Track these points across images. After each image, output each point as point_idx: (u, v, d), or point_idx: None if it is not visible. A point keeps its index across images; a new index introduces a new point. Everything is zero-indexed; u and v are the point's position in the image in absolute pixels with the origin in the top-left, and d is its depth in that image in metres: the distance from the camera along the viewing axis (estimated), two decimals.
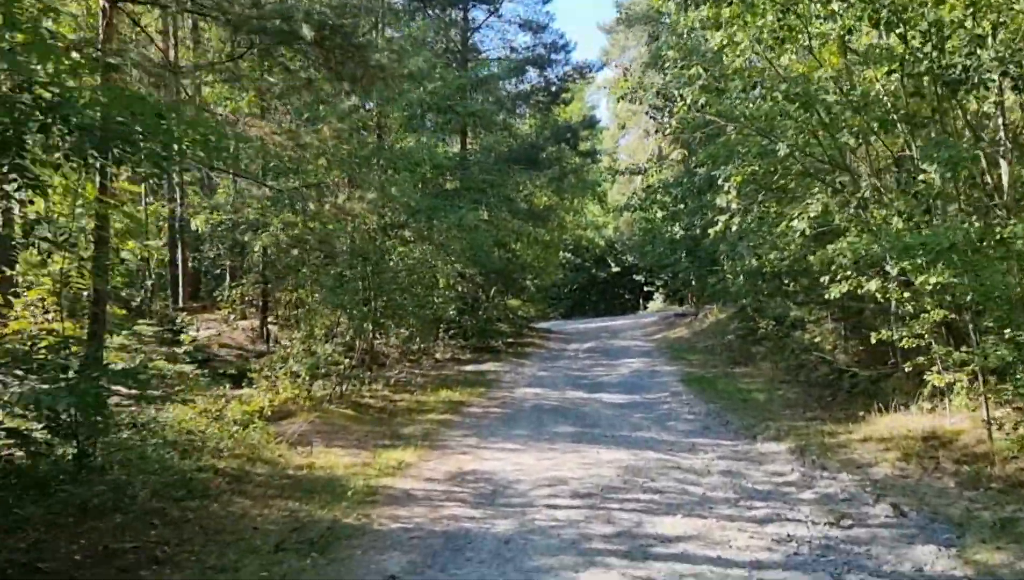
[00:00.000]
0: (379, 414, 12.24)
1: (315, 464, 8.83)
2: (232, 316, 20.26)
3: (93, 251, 7.32)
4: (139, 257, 19.82)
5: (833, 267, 9.68)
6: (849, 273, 9.13)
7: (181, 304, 21.44)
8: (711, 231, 9.63)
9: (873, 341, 9.27)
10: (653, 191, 19.88)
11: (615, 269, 45.35)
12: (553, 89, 24.86)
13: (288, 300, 13.71)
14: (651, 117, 20.27)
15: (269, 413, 10.59)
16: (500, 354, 21.65)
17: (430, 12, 21.67)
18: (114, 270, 8.30)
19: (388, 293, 13.09)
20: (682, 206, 20.04)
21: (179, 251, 21.00)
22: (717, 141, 12.19)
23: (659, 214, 21.66)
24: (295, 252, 12.97)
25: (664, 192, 19.68)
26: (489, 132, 21.70)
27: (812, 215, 9.05)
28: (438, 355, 21.09)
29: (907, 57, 7.95)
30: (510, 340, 24.60)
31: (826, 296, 9.49)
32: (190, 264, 20.78)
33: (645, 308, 44.82)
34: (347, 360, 12.32)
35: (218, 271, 21.43)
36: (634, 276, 44.78)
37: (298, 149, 8.51)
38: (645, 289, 45.48)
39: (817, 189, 9.50)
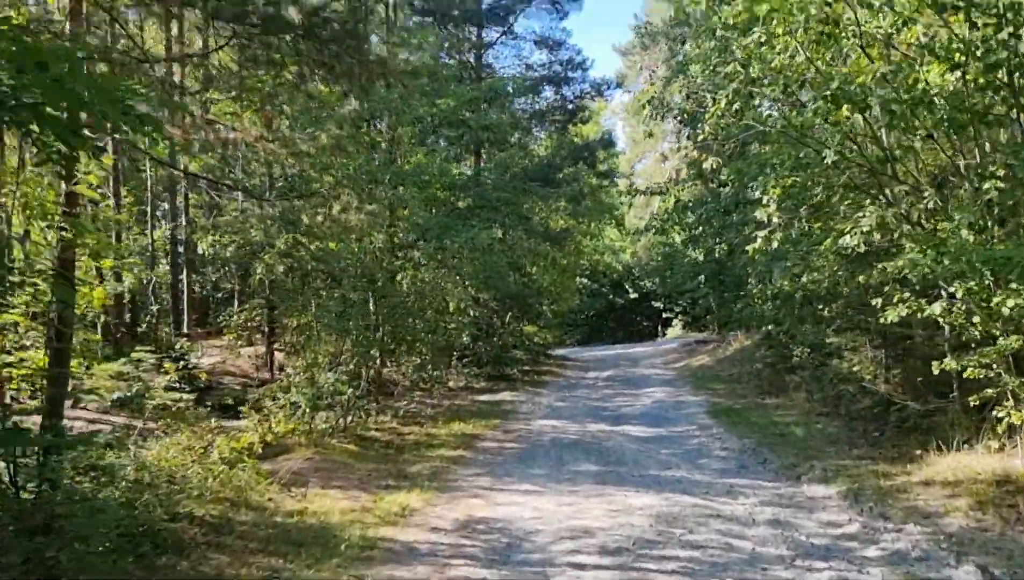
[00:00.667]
0: (385, 449, 11.22)
1: (308, 509, 7.81)
2: (238, 342, 19.39)
3: (57, 268, 6.41)
4: (139, 281, 19.08)
5: (886, 289, 8.65)
6: (908, 295, 8.07)
7: (186, 329, 20.63)
8: (749, 248, 8.61)
9: (936, 371, 8.17)
10: (678, 209, 18.79)
11: (633, 295, 44.25)
12: (570, 107, 23.96)
13: (294, 326, 12.76)
14: (680, 121, 19.05)
15: (261, 449, 9.62)
16: (516, 383, 20.61)
17: (442, 29, 20.92)
18: (85, 295, 7.37)
19: (397, 319, 12.08)
20: (702, 229, 19.00)
21: (183, 274, 20.23)
22: (748, 156, 11.25)
23: (678, 237, 20.66)
24: (297, 274, 12.03)
25: (686, 212, 18.63)
26: (503, 150, 20.79)
27: (865, 230, 8.01)
28: (451, 383, 20.08)
29: (976, 48, 6.96)
30: (526, 368, 23.56)
31: (880, 320, 8.41)
32: (196, 288, 19.98)
33: (664, 335, 43.63)
34: (351, 390, 11.33)
35: (222, 295, 20.61)
36: (652, 302, 43.66)
37: (293, 157, 7.65)
38: (664, 316, 44.36)
39: (869, 201, 8.46)
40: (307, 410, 10.47)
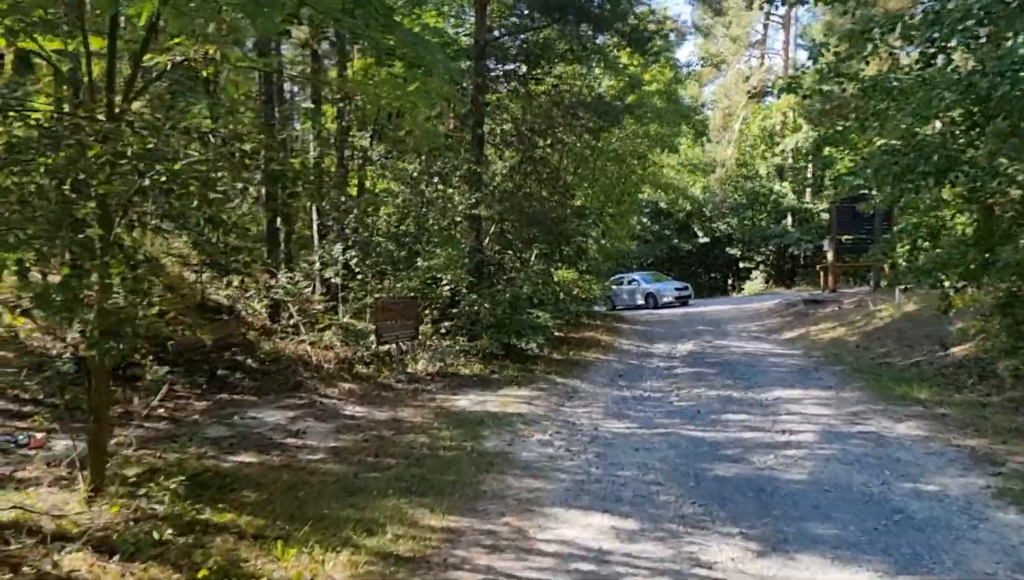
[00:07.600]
0: None
1: None
2: None
3: None
4: None
5: None
6: None
7: None
8: None
9: None
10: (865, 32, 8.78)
11: (703, 239, 34.13)
12: None
13: None
14: None
15: None
16: (534, 367, 11.31)
17: None
18: None
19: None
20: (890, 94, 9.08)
21: None
22: None
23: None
24: None
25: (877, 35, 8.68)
26: None
27: None
28: (419, 365, 10.91)
29: None
30: (558, 334, 14.25)
31: None
32: None
33: (741, 290, 33.61)
34: None
35: None
36: (727, 249, 33.67)
37: None
38: (740, 265, 34.32)
39: None
40: None
